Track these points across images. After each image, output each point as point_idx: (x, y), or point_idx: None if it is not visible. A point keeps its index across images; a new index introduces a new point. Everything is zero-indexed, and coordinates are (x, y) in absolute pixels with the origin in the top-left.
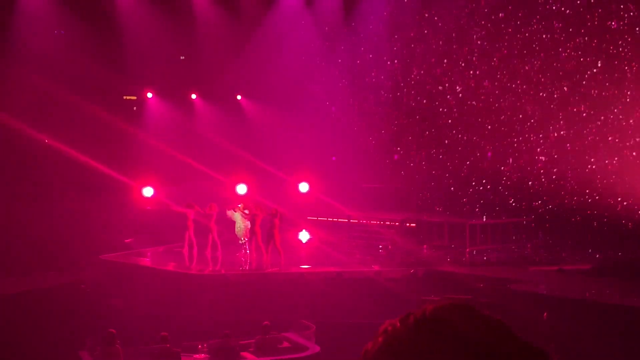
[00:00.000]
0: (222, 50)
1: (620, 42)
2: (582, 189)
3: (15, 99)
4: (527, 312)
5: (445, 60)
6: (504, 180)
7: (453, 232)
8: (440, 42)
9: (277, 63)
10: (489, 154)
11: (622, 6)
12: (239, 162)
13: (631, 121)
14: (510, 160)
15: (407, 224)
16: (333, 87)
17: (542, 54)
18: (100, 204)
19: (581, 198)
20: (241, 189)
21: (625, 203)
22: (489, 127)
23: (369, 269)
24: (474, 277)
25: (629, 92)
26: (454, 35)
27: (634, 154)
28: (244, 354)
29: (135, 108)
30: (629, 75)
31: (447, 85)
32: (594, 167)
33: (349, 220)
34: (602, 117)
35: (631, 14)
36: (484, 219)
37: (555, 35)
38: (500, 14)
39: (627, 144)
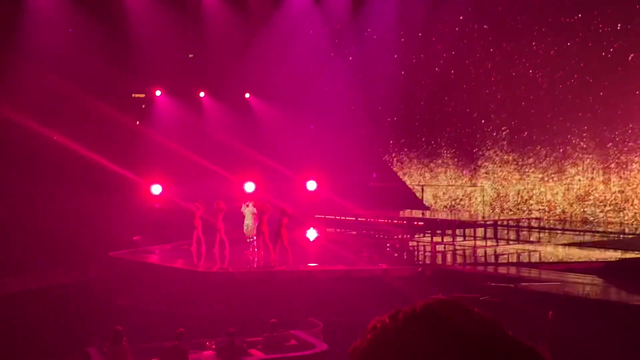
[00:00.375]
0: (231, 49)
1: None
2: None
3: (24, 96)
4: (533, 311)
5: (453, 53)
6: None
7: (462, 230)
8: (449, 39)
9: (285, 61)
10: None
11: None
12: (247, 160)
13: None
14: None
15: (415, 223)
16: (342, 85)
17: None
18: (109, 202)
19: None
20: (249, 187)
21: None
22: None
23: (377, 268)
24: (482, 275)
25: None
26: (461, 32)
27: None
28: (252, 351)
29: (143, 106)
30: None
31: (457, 80)
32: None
33: (356, 219)
34: None
35: None
36: (495, 218)
37: None
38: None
39: None
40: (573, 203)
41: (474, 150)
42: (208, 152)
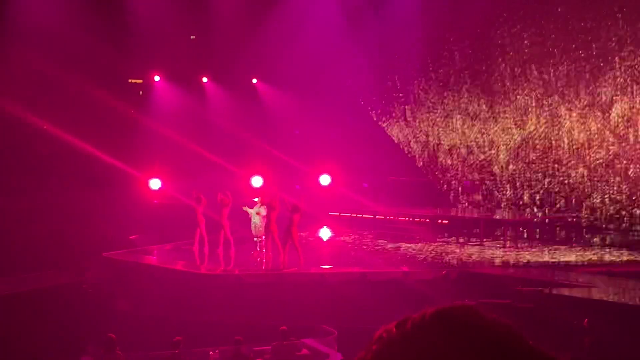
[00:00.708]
0: (237, 30)
1: None
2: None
3: (13, 81)
4: (568, 318)
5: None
6: (550, 173)
7: (490, 230)
8: (473, 24)
9: (297, 43)
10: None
11: None
12: (254, 152)
13: None
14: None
15: (439, 221)
16: (358, 70)
17: None
18: (103, 197)
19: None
20: (256, 181)
21: None
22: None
23: (397, 270)
24: (513, 279)
25: None
26: (484, 18)
27: None
28: None
29: (141, 92)
30: None
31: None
32: None
33: (374, 217)
34: None
35: None
36: (526, 216)
37: None
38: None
39: None
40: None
41: None
42: (211, 143)
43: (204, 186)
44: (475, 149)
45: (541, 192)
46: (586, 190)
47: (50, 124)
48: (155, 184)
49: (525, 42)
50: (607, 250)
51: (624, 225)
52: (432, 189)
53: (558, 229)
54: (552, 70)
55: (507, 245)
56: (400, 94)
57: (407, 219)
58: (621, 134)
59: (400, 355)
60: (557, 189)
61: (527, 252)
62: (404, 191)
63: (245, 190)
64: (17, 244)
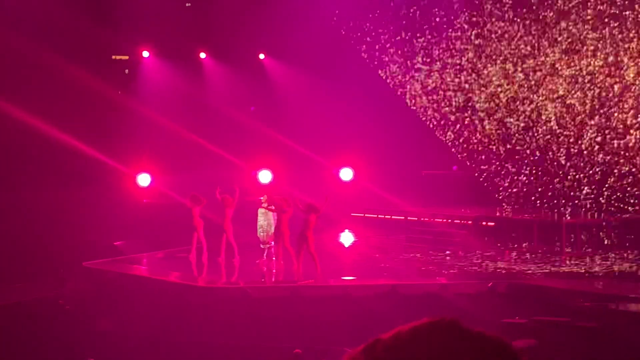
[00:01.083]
0: None
1: None
2: None
3: None
4: (638, 340)
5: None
6: (617, 168)
7: (545, 234)
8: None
9: (312, 10)
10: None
11: None
12: (261, 141)
13: None
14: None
15: (484, 223)
16: (384, 45)
17: None
18: (82, 196)
19: None
20: (264, 176)
21: None
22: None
23: (433, 282)
24: (573, 292)
25: None
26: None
27: None
28: None
29: (127, 71)
30: None
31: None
32: None
33: (406, 218)
34: None
35: None
36: (588, 217)
37: None
38: None
39: None
40: None
41: None
42: (211, 131)
43: (202, 183)
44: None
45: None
46: None
47: (19, 109)
48: (144, 180)
49: None
50: None
51: None
52: (475, 183)
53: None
54: None
55: (567, 251)
56: (436, 69)
57: (444, 220)
58: None
59: None
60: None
61: (590, 260)
62: (442, 187)
63: (251, 186)
64: None
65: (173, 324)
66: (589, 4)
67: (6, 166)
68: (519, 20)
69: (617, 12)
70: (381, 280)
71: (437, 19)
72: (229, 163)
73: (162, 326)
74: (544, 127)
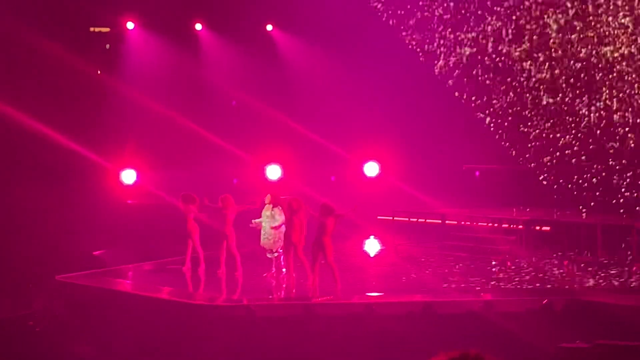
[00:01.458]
0: None
1: None
2: None
3: None
4: None
5: None
6: None
7: (611, 241)
8: None
9: None
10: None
11: None
12: (269, 130)
13: None
14: None
15: (537, 228)
16: (418, 16)
17: None
18: (56, 196)
19: None
20: (273, 172)
21: None
22: None
23: (475, 299)
24: None
25: None
26: None
27: None
28: None
29: (108, 46)
30: None
31: None
32: None
33: (442, 222)
34: None
35: None
36: None
37: None
38: None
39: None
40: None
41: None
42: (209, 118)
43: (198, 180)
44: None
45: None
46: None
47: None
48: (128, 176)
49: None
50: None
51: None
52: (528, 180)
53: None
54: None
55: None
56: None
57: (489, 224)
58: None
59: None
60: None
61: None
62: (486, 184)
63: (258, 184)
64: None
65: (164, 349)
66: None
67: None
68: None
69: None
70: (413, 297)
71: None
72: (230, 156)
73: (151, 352)
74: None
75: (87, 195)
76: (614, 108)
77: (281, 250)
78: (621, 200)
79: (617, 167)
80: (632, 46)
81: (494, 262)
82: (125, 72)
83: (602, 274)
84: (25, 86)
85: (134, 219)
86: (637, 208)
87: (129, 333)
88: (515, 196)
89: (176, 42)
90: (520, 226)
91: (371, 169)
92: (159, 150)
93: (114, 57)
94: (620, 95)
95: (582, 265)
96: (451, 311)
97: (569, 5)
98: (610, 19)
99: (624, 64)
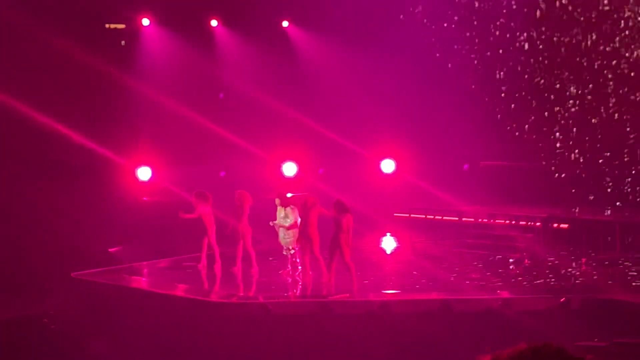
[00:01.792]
0: None
1: None
2: None
3: None
4: None
5: None
6: None
7: (629, 239)
8: None
9: None
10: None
11: None
12: (285, 127)
13: None
14: None
15: (555, 225)
16: (436, 11)
17: None
18: (72, 193)
19: None
20: (289, 169)
21: None
22: None
23: (493, 297)
24: None
25: None
26: None
27: None
28: None
29: (124, 42)
30: None
31: None
32: None
33: (459, 219)
34: None
35: None
36: None
37: None
38: None
39: None
40: None
41: None
42: (224, 115)
43: (213, 177)
44: None
45: None
46: None
47: None
48: (144, 173)
49: None
50: None
51: None
52: (546, 177)
53: None
54: None
55: None
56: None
57: (507, 222)
58: None
59: None
60: None
61: None
62: (504, 181)
63: (274, 182)
64: None
65: (179, 346)
66: None
67: None
68: None
69: None
70: (430, 295)
71: None
72: (245, 153)
73: (166, 349)
74: None
75: (102, 192)
76: None
77: (297, 248)
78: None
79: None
80: None
81: (511, 260)
82: (141, 69)
83: (621, 272)
84: (41, 84)
85: (149, 216)
86: None
87: (145, 330)
88: (533, 193)
89: (192, 38)
90: (538, 224)
91: (388, 165)
92: (174, 147)
93: (129, 54)
94: None
95: (600, 263)
96: (468, 309)
97: None
98: None
99: None
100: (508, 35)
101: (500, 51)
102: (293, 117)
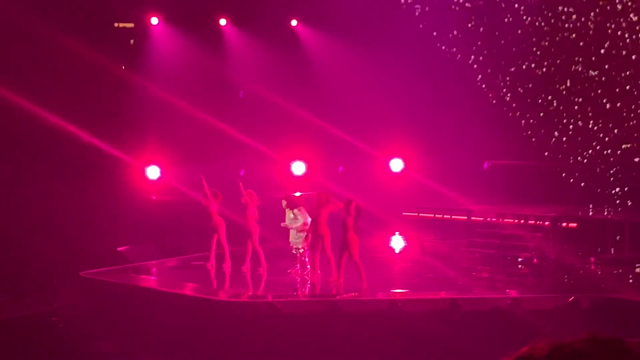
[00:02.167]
0: None
1: None
2: None
3: None
4: None
5: None
6: None
7: (638, 238)
8: None
9: None
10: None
11: None
12: (294, 126)
13: None
14: None
15: (564, 224)
16: (444, 10)
17: None
18: (80, 192)
19: None
20: (298, 168)
21: None
22: None
23: (501, 296)
24: None
25: None
26: None
27: None
28: None
29: (132, 41)
30: None
31: None
32: None
33: (469, 218)
34: None
35: None
36: None
37: None
38: None
39: None
40: None
41: None
42: (232, 114)
43: (222, 176)
44: None
45: None
46: None
47: (2, 87)
48: (153, 172)
49: None
50: None
51: None
52: (554, 177)
53: None
54: None
55: None
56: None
57: (515, 221)
58: None
59: None
60: None
61: None
62: (513, 181)
63: (284, 181)
64: None
65: (188, 345)
66: None
67: None
68: None
69: None
70: (439, 294)
71: None
72: (254, 153)
73: (174, 348)
74: None
75: (110, 191)
76: None
77: (306, 247)
78: None
79: None
80: None
81: (520, 259)
82: (150, 68)
83: (629, 271)
84: (50, 83)
85: (158, 215)
86: None
87: (153, 329)
88: (541, 192)
89: (200, 37)
90: (547, 223)
91: (396, 164)
92: (183, 146)
93: (138, 52)
94: None
95: (609, 262)
96: (477, 308)
97: None
98: None
99: None
100: (519, 32)
101: (513, 49)
102: (301, 116)
